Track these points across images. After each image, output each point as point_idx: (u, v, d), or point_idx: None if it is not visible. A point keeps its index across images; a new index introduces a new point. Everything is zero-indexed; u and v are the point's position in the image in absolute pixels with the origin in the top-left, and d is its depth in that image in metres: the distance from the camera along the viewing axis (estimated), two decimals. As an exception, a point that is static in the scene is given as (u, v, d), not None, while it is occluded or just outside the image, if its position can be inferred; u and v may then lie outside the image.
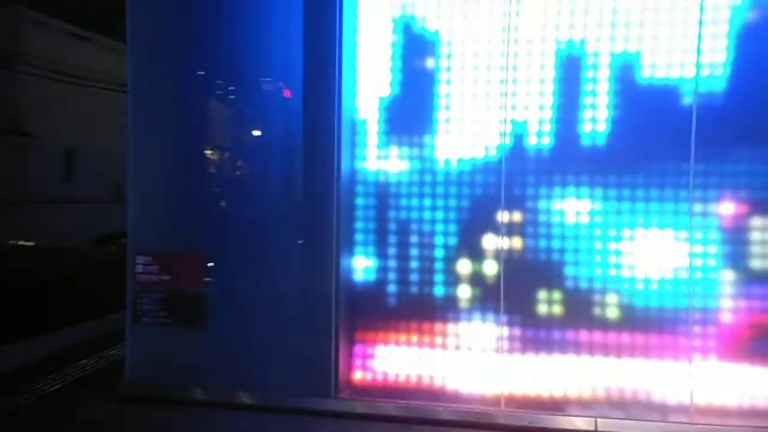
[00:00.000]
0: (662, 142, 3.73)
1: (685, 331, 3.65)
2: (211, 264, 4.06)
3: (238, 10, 4.12)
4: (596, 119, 3.89)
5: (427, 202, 4.13)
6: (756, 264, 3.67)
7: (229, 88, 4.28)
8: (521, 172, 3.99)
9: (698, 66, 3.68)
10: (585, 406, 3.73)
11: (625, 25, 3.81)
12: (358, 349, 4.12)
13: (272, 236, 4.07)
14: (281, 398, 3.87)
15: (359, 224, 4.20)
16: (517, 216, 4.02)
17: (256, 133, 4.40)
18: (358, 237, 4.20)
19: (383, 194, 4.19)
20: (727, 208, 3.70)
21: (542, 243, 3.97)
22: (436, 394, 3.93)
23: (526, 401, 3.78)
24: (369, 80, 4.17)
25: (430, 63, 4.13)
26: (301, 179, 4.03)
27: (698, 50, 3.68)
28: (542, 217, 3.96)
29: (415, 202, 4.14)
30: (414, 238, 4.14)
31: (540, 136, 3.98)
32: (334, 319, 3.85)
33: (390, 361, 4.08)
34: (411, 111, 4.15)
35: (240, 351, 3.96)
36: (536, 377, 3.84)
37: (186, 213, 4.12)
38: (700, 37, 3.67)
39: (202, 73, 4.16)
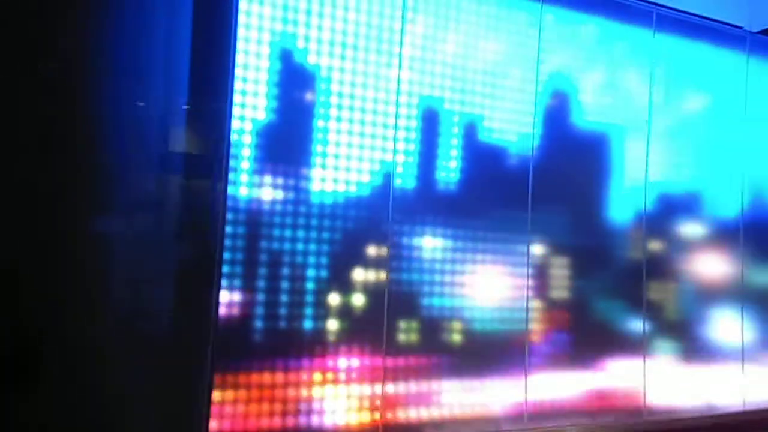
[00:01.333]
0: (503, 193, 4.55)
1: (521, 351, 4.44)
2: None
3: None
4: (449, 168, 4.50)
5: (300, 233, 4.07)
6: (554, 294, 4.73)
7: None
8: (387, 209, 4.30)
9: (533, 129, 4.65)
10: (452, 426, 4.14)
11: (471, 92, 4.56)
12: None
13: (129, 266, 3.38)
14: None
15: (227, 255, 3.86)
16: (382, 251, 4.28)
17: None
18: (225, 269, 3.84)
19: (255, 223, 3.95)
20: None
21: (404, 276, 4.31)
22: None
23: (403, 427, 3.98)
24: (245, 102, 3.95)
25: (309, 95, 4.16)
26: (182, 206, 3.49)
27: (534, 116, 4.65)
28: (405, 252, 4.32)
29: (288, 233, 4.03)
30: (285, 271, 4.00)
31: (404, 178, 4.37)
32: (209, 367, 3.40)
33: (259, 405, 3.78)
34: (287, 140, 4.08)
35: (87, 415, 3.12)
36: (408, 403, 4.09)
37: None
38: (535, 105, 4.65)
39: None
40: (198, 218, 3.48)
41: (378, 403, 4.00)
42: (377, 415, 3.98)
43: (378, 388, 4.04)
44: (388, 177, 4.30)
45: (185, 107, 3.39)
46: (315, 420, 3.85)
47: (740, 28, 5.56)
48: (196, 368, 3.34)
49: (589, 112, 4.95)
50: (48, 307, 3.06)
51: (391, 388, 4.07)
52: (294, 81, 4.08)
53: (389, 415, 3.99)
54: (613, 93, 5.05)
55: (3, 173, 2.95)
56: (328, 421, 3.87)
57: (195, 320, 3.41)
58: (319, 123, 4.13)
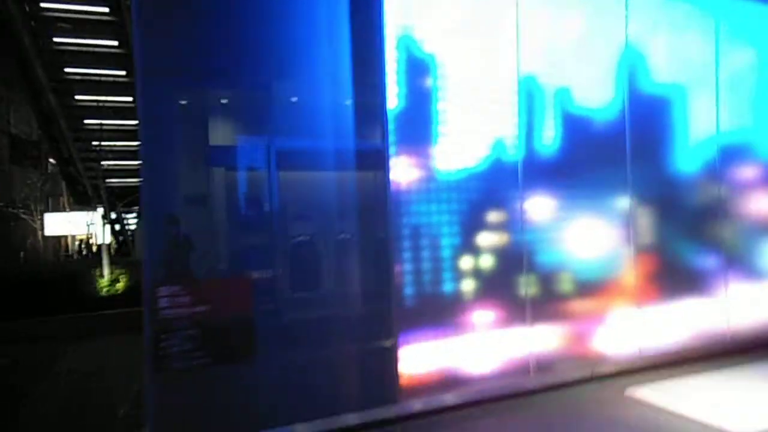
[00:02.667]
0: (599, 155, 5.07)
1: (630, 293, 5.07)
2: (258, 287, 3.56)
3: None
4: (551, 137, 4.96)
5: (433, 207, 4.52)
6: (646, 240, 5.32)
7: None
8: (503, 179, 4.77)
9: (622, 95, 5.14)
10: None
11: (563, 66, 4.99)
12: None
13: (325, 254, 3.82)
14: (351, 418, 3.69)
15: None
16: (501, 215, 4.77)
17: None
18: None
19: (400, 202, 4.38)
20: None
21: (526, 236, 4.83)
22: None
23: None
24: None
25: (429, 81, 4.54)
26: (356, 194, 3.91)
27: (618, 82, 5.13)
28: (521, 215, 4.82)
29: (423, 208, 4.48)
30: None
31: (516, 150, 4.82)
32: (394, 329, 3.89)
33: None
34: (416, 124, 4.47)
35: (297, 380, 3.59)
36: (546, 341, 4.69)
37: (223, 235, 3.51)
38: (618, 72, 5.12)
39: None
40: (371, 204, 3.91)
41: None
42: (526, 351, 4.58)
43: (523, 331, 4.61)
44: (501, 150, 4.75)
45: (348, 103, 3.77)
46: (481, 358, 4.41)
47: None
48: (385, 332, 3.83)
49: (662, 73, 5.44)
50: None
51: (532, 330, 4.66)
52: (415, 69, 4.46)
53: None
54: (681, 54, 5.55)
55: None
56: (489, 358, 4.44)
57: (381, 291, 3.89)
58: (440, 106, 4.54)
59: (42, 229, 16.57)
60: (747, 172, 6.01)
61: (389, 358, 3.93)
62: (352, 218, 4.03)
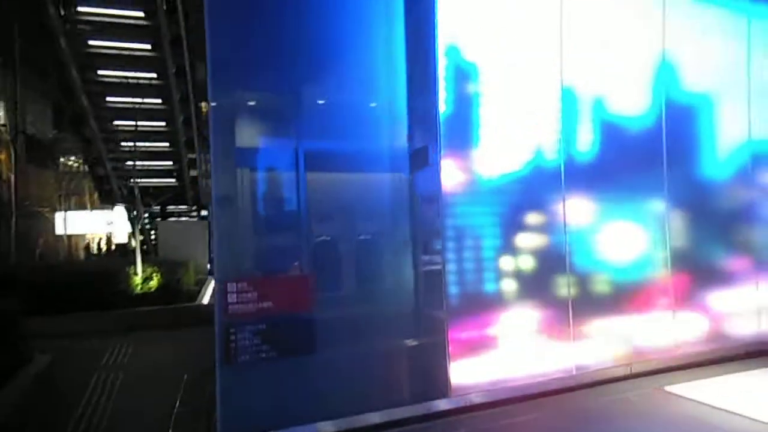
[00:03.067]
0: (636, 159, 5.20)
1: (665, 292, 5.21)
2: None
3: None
4: (590, 143, 5.10)
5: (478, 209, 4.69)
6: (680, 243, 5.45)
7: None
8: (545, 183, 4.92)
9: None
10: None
11: (602, 75, 5.13)
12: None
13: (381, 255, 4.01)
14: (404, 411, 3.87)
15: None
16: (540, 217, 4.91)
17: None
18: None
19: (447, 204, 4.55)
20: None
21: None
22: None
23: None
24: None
25: (473, 88, 4.70)
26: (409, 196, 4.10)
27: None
28: (558, 219, 4.97)
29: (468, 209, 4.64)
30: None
31: (556, 155, 4.97)
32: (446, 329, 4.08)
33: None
34: (461, 129, 4.64)
35: (354, 373, 3.78)
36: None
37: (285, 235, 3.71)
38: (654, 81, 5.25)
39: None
40: (425, 205, 4.09)
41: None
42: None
43: (565, 330, 4.77)
44: (542, 155, 4.90)
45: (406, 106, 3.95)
46: (525, 356, 4.58)
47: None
48: (438, 329, 4.01)
49: (697, 80, 5.57)
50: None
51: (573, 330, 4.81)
52: (461, 76, 4.62)
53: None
54: (715, 60, 5.68)
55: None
56: (533, 356, 4.61)
57: (433, 290, 4.08)
58: (483, 111, 4.70)
59: (64, 226, 16.90)
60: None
61: (440, 354, 4.10)
62: (405, 219, 4.21)
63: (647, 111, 5.34)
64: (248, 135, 3.75)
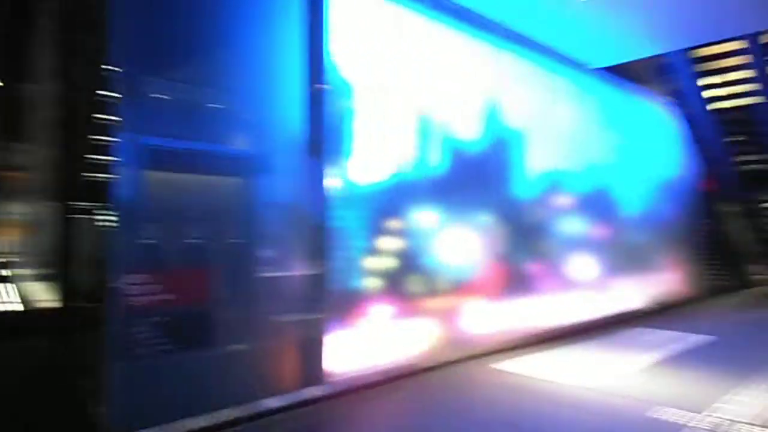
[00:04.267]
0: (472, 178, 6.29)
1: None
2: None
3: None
4: (435, 163, 6.04)
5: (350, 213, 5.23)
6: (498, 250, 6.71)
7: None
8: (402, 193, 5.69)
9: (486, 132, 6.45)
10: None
11: (446, 109, 6.15)
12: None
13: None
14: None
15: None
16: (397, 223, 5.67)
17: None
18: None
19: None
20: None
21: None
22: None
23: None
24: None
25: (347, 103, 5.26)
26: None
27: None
28: (411, 225, 5.78)
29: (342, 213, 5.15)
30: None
31: (411, 171, 5.79)
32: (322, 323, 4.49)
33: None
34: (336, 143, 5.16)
35: (240, 366, 3.94)
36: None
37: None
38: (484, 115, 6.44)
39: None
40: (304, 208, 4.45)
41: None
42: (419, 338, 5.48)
43: (417, 321, 5.52)
44: (402, 169, 5.67)
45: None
46: (385, 344, 5.17)
47: (587, 64, 8.19)
48: (312, 322, 4.40)
49: (516, 118, 6.97)
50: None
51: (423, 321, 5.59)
52: (341, 94, 5.15)
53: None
54: (529, 105, 7.18)
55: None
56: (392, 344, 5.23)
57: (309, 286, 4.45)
58: (355, 127, 5.28)
59: None
60: (564, 200, 7.89)
61: (316, 346, 4.51)
62: (285, 221, 4.54)
63: (481, 139, 6.52)
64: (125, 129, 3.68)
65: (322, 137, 4.68)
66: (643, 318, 9.08)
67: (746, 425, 4.01)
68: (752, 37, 8.02)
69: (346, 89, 5.17)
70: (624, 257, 9.18)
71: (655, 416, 4.23)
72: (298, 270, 4.57)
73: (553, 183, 7.59)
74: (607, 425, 4.13)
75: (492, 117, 6.68)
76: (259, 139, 4.51)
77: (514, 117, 7.01)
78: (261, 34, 4.53)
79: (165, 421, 3.58)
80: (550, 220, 7.59)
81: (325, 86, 4.67)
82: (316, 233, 4.63)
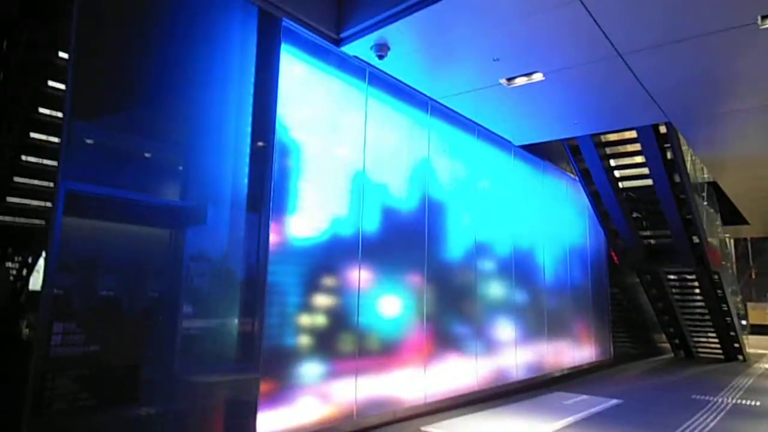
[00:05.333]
0: (408, 239, 6.54)
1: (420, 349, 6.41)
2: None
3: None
4: (373, 223, 6.27)
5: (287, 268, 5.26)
6: (431, 309, 6.90)
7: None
8: (339, 251, 5.82)
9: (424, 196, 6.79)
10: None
11: (382, 168, 6.48)
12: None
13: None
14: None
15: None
16: (334, 281, 5.75)
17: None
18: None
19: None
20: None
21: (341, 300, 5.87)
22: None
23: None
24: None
25: (291, 164, 5.43)
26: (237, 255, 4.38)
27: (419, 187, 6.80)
28: (346, 282, 5.88)
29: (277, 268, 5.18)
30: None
31: (347, 229, 5.96)
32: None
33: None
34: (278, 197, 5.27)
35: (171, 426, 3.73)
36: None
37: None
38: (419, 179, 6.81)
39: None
40: (245, 263, 4.45)
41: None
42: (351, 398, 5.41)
43: (350, 382, 5.48)
44: (339, 228, 5.83)
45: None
46: (318, 404, 5.05)
47: (509, 141, 8.96)
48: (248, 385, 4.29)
49: (446, 184, 7.42)
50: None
51: (356, 381, 5.56)
52: (284, 150, 5.32)
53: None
54: (456, 173, 7.68)
55: None
56: (325, 404, 5.12)
57: (245, 345, 4.36)
58: (299, 185, 5.44)
59: None
60: (488, 264, 8.33)
61: (248, 407, 4.37)
62: (218, 276, 4.50)
63: (416, 202, 6.86)
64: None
65: (263, 192, 4.77)
66: (559, 382, 9.51)
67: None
68: (642, 129, 9.19)
69: (288, 149, 5.35)
70: (543, 321, 9.70)
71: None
72: (230, 327, 4.49)
73: (479, 247, 8.03)
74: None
75: (422, 183, 7.07)
76: (195, 192, 4.53)
77: (443, 184, 7.48)
78: (209, 87, 4.66)
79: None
80: (476, 282, 7.95)
81: (268, 144, 4.81)
82: (250, 289, 4.60)
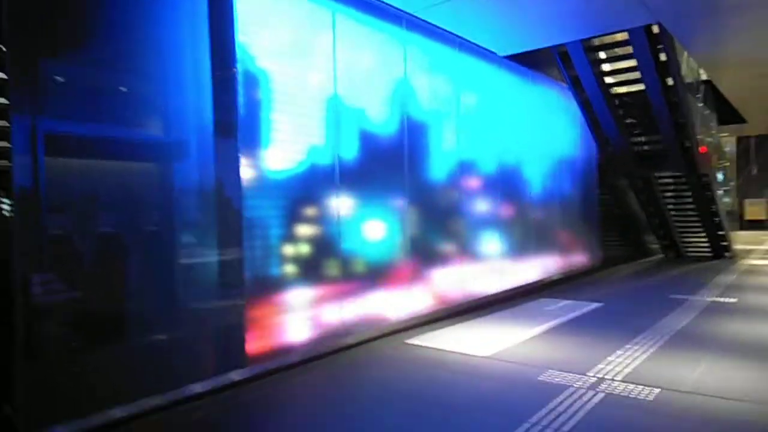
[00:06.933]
0: (387, 163, 6.54)
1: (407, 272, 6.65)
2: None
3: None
4: (352, 149, 6.25)
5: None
6: (412, 232, 7.05)
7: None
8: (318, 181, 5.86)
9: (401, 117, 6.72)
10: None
11: (359, 93, 6.34)
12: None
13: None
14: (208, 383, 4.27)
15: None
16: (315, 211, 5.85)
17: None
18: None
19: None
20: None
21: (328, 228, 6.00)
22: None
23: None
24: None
25: (261, 94, 5.31)
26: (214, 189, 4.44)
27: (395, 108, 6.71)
28: (328, 211, 5.98)
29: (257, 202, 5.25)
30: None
31: (324, 158, 5.95)
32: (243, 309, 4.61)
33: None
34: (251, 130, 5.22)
35: (160, 357, 4.00)
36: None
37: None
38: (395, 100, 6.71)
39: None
40: (223, 197, 4.52)
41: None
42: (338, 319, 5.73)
43: (335, 304, 5.76)
44: (315, 157, 5.81)
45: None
46: (306, 326, 5.37)
47: (493, 52, 8.64)
48: (236, 310, 4.52)
49: (426, 103, 7.29)
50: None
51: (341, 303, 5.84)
52: (252, 81, 5.19)
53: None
54: (437, 91, 7.50)
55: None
56: (312, 326, 5.44)
57: (228, 273, 4.54)
58: (271, 116, 5.37)
59: None
60: (473, 182, 8.37)
61: (237, 332, 4.63)
62: (207, 210, 4.59)
63: (393, 124, 6.77)
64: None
65: (232, 124, 4.73)
66: (547, 289, 9.90)
67: (620, 383, 4.60)
68: (633, 30, 8.78)
69: (256, 78, 5.21)
70: (530, 233, 9.91)
71: (546, 379, 4.75)
72: (216, 257, 4.64)
73: (463, 165, 8.03)
74: (503, 390, 4.59)
75: (402, 103, 6.94)
76: (170, 124, 4.50)
77: (424, 103, 7.33)
78: (166, 16, 4.46)
79: (82, 416, 3.62)
80: (461, 201, 8.04)
81: (232, 72, 4.70)
82: (232, 219, 4.71)
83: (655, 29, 8.87)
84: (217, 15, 4.63)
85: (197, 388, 4.38)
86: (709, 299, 8.45)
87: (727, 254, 13.85)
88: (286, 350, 5.27)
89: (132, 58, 4.28)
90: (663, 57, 9.39)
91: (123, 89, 4.21)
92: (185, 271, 4.52)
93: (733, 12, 7.35)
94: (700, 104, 12.52)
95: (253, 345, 4.92)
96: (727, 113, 15.18)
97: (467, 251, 8.15)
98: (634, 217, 14.42)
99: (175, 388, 4.23)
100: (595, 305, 8.15)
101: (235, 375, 4.67)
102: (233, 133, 4.90)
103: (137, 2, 4.27)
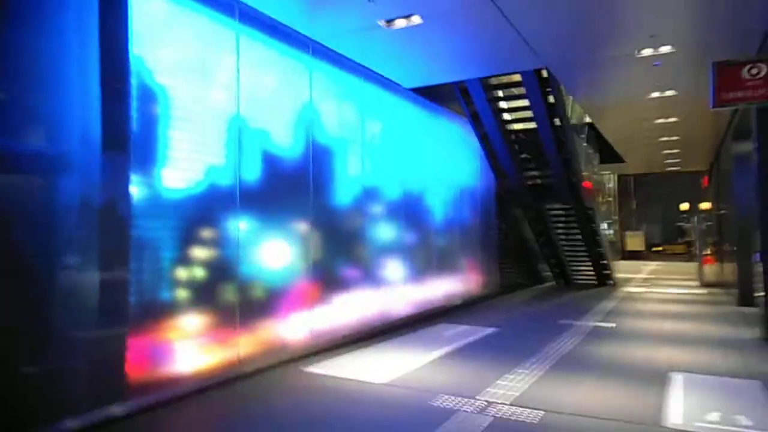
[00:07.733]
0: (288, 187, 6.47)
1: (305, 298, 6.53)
2: None
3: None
4: (253, 170, 6.13)
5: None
6: (316, 256, 7.00)
7: None
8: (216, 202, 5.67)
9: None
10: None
11: (263, 114, 6.28)
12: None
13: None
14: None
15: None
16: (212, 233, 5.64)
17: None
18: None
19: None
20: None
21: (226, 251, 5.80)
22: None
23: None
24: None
25: (159, 110, 5.09)
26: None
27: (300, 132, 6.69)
28: (226, 234, 5.79)
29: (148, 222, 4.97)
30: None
31: (225, 178, 5.79)
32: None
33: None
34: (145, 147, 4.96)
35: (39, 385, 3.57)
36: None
37: None
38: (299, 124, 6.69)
39: None
40: (110, 218, 4.21)
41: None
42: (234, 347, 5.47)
43: (232, 331, 5.51)
44: (216, 176, 5.64)
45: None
46: (197, 355, 5.05)
47: (398, 84, 8.95)
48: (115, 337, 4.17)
49: (332, 129, 7.35)
50: None
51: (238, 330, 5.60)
52: (148, 96, 4.97)
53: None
54: (343, 118, 7.60)
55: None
56: (204, 354, 5.14)
57: (112, 298, 4.21)
58: (168, 133, 5.14)
59: None
60: (377, 208, 8.51)
61: (117, 361, 4.28)
62: (88, 227, 4.23)
63: (299, 148, 6.75)
64: None
65: (124, 138, 4.47)
66: (447, 314, 10.19)
67: (509, 406, 4.79)
68: (526, 73, 9.55)
69: (153, 93, 4.99)
70: (432, 260, 10.21)
71: (436, 404, 4.84)
72: (97, 280, 4.29)
73: (368, 191, 8.15)
74: (396, 416, 4.61)
75: (308, 127, 6.95)
76: (51, 135, 4.16)
77: (330, 128, 7.40)
78: (48, 19, 4.16)
79: None
80: (365, 226, 8.13)
81: (123, 87, 4.46)
82: (118, 239, 4.40)
83: (545, 73, 9.68)
84: (109, 25, 4.39)
85: (70, 424, 3.98)
86: (592, 324, 9.12)
87: (609, 282, 15.09)
88: (175, 381, 4.95)
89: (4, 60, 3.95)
90: (551, 99, 10.24)
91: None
92: (62, 295, 4.14)
93: (612, 62, 8.18)
94: (585, 144, 13.74)
95: (138, 375, 4.58)
96: (609, 153, 16.78)
97: (371, 276, 8.21)
98: (528, 246, 15.34)
99: (43, 424, 3.81)
100: (491, 330, 8.50)
101: (116, 409, 4.30)
102: (124, 147, 4.63)
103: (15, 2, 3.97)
